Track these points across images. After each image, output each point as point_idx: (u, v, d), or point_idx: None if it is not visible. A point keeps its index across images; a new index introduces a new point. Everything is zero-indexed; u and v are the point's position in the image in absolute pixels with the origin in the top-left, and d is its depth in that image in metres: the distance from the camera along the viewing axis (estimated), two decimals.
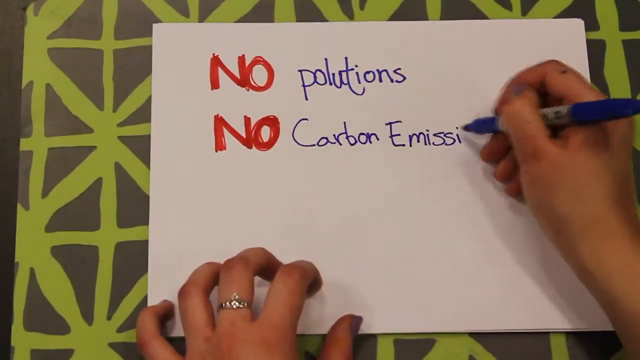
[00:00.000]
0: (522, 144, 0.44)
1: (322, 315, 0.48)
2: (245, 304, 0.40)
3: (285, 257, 0.49)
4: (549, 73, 0.45)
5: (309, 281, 0.44)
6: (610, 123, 0.43)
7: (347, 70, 0.52)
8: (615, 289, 0.41)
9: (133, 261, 0.49)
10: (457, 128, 0.51)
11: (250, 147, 0.51)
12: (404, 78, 0.52)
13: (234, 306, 0.40)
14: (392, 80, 0.52)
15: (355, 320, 0.46)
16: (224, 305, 0.41)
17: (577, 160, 0.42)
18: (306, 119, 0.51)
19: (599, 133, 0.43)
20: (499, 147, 0.49)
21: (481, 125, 0.50)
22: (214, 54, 0.52)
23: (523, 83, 0.46)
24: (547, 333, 0.48)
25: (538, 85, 0.46)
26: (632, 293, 0.41)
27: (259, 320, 0.40)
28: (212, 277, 0.44)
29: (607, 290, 0.42)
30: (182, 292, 0.42)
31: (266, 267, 0.44)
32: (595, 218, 0.42)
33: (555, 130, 0.44)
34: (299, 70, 0.52)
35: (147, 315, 0.44)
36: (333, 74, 0.52)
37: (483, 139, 0.50)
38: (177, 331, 0.47)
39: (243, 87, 0.52)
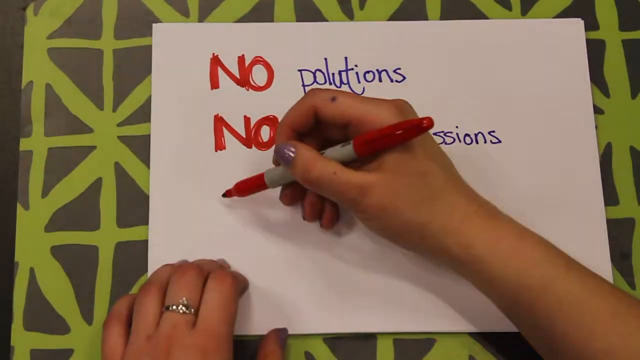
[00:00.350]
0: (343, 194, 0.42)
1: (323, 315, 0.48)
2: (192, 310, 0.41)
3: (285, 256, 0.49)
4: (318, 104, 0.43)
5: (241, 287, 0.45)
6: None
7: (346, 70, 0.52)
8: (491, 269, 0.42)
9: (133, 261, 0.49)
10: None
11: (250, 147, 0.51)
12: (404, 78, 0.52)
13: (181, 310, 0.41)
14: (392, 80, 0.52)
15: (281, 333, 0.46)
16: (170, 307, 0.41)
17: (402, 171, 0.41)
18: None
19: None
20: (294, 190, 0.47)
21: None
22: (213, 54, 0.52)
23: (285, 138, 0.44)
24: None
25: (311, 122, 0.44)
26: (508, 270, 0.41)
27: (197, 327, 0.40)
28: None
29: (484, 272, 0.42)
30: (142, 289, 0.43)
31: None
32: (449, 208, 0.42)
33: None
34: (299, 70, 0.52)
35: (123, 299, 0.44)
36: (333, 74, 0.52)
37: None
38: None
39: (243, 87, 0.52)
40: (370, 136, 0.41)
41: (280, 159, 0.43)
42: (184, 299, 0.41)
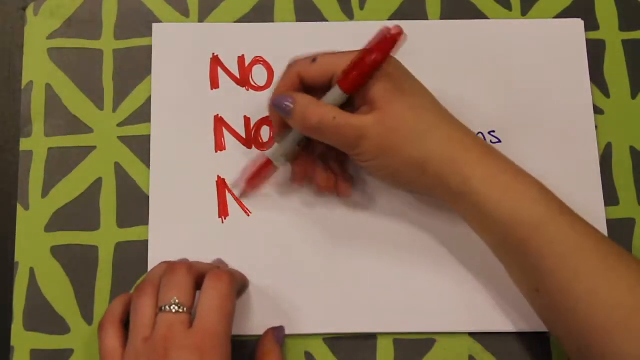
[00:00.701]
0: (342, 138, 0.43)
1: (323, 315, 0.48)
2: (185, 309, 0.41)
3: (285, 256, 0.49)
4: (301, 70, 0.44)
5: (238, 285, 0.45)
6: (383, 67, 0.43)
7: None
8: (487, 204, 0.42)
9: (133, 261, 0.49)
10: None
11: (250, 147, 0.51)
12: None
13: (173, 310, 0.41)
14: None
15: (277, 332, 0.47)
16: (163, 308, 0.41)
17: (394, 109, 0.42)
18: None
19: (386, 77, 0.43)
20: (302, 164, 0.48)
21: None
22: (213, 54, 0.52)
23: (280, 96, 0.44)
24: (547, 333, 0.48)
25: (299, 89, 0.45)
26: (503, 203, 0.42)
27: (194, 327, 0.40)
28: None
29: (479, 207, 0.42)
30: (138, 290, 0.43)
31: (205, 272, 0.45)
32: (446, 142, 0.43)
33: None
34: None
35: (118, 300, 0.44)
36: None
37: None
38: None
39: (243, 87, 0.52)
40: (349, 68, 0.42)
41: (279, 110, 0.44)
42: (175, 298, 0.41)
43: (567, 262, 0.41)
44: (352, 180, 0.49)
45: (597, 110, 0.52)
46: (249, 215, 0.50)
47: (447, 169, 0.43)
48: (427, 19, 0.54)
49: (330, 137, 0.44)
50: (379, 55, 0.42)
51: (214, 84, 0.52)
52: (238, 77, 0.52)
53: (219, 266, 0.47)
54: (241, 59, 0.52)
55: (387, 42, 0.42)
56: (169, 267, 0.43)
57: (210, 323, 0.41)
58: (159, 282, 0.43)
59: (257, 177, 0.49)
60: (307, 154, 0.47)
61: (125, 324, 0.43)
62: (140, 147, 0.51)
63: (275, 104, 0.44)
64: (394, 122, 0.42)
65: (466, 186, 0.43)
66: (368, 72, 0.42)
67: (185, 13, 0.54)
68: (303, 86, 0.45)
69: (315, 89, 0.45)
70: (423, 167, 0.43)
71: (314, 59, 0.44)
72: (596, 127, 0.52)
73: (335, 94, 0.43)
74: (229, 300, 0.42)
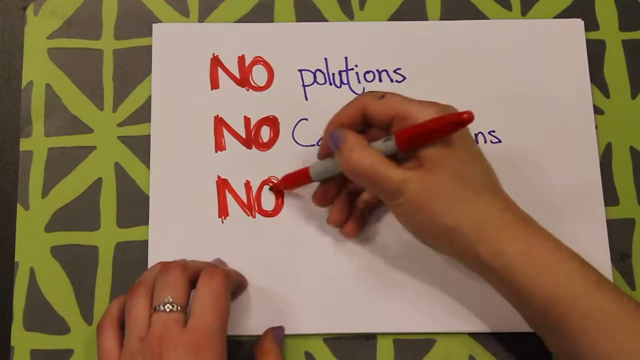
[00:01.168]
0: (380, 187, 0.42)
1: (323, 315, 0.48)
2: (179, 308, 0.41)
3: (285, 256, 0.49)
4: (366, 103, 0.44)
5: (233, 283, 0.45)
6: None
7: (347, 70, 0.52)
8: (521, 280, 0.41)
9: (133, 261, 0.49)
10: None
11: (250, 147, 0.51)
12: (404, 78, 0.52)
13: (167, 309, 0.41)
14: (392, 80, 0.52)
15: (277, 331, 0.47)
16: (157, 307, 0.41)
17: (438, 171, 0.41)
18: (306, 119, 0.51)
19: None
20: (331, 189, 0.47)
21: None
22: (213, 54, 0.52)
23: (337, 127, 0.44)
24: None
25: (360, 121, 0.44)
26: (537, 280, 0.41)
27: (188, 325, 0.41)
28: None
29: (514, 283, 0.41)
30: (132, 291, 0.43)
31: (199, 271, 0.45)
32: (481, 215, 0.41)
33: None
34: (299, 70, 0.52)
35: (115, 302, 0.44)
36: (333, 74, 0.52)
37: None
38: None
39: (243, 87, 0.52)
40: (412, 130, 0.42)
41: (330, 143, 0.44)
42: (169, 297, 0.41)
43: (608, 337, 0.40)
44: (363, 223, 0.49)
45: (597, 110, 0.52)
46: (254, 218, 0.50)
47: (479, 245, 0.41)
48: (427, 19, 0.54)
49: (369, 185, 0.43)
50: (444, 130, 0.41)
51: (214, 84, 0.52)
52: (238, 77, 0.52)
53: (215, 265, 0.47)
54: (241, 59, 0.52)
55: (457, 122, 0.40)
56: (163, 267, 0.43)
57: (204, 321, 0.41)
58: (152, 283, 0.43)
59: (291, 178, 0.49)
60: (338, 181, 0.47)
61: (123, 326, 0.43)
62: (140, 147, 0.51)
63: (329, 136, 0.44)
64: (434, 186, 0.41)
65: (499, 262, 0.41)
66: (427, 141, 0.41)
67: (185, 13, 0.54)
68: (364, 119, 0.44)
69: (377, 125, 0.44)
70: (452, 235, 0.42)
71: (382, 95, 0.44)
72: (596, 127, 0.52)
73: (388, 145, 0.42)
74: (223, 298, 0.42)
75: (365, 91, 0.45)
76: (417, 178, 0.41)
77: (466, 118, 0.40)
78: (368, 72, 0.52)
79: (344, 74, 0.52)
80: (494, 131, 0.51)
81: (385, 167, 0.42)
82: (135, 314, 0.41)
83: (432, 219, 0.42)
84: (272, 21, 0.54)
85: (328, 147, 0.45)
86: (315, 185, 0.48)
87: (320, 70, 0.52)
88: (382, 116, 0.43)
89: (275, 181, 0.50)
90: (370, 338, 0.48)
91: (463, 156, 0.42)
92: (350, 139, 0.43)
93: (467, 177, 0.42)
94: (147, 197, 0.50)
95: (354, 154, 0.42)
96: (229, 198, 0.50)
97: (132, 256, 0.49)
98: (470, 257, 0.42)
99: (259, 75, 0.52)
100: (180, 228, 0.49)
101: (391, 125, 0.43)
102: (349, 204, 0.48)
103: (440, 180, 0.41)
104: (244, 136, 0.51)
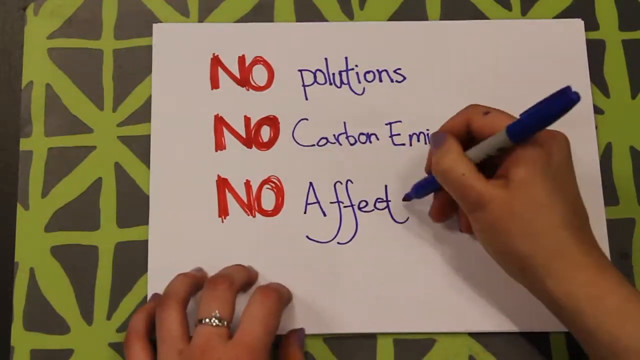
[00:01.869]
0: (464, 197, 0.42)
1: (323, 315, 0.48)
2: (225, 323, 0.41)
3: (285, 256, 0.49)
4: (471, 117, 0.44)
5: (285, 303, 0.46)
6: (546, 148, 0.41)
7: (347, 70, 0.52)
8: (588, 323, 0.40)
9: (133, 261, 0.49)
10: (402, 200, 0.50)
11: (250, 147, 0.51)
12: (404, 78, 0.52)
13: (214, 323, 0.41)
14: (392, 80, 0.52)
15: (299, 334, 0.47)
16: (203, 321, 0.41)
17: (525, 197, 0.41)
18: (306, 119, 0.51)
19: (538, 162, 0.41)
20: (445, 202, 0.47)
21: (420, 190, 0.48)
22: (214, 54, 0.52)
23: (442, 133, 0.44)
24: (547, 333, 0.48)
25: (464, 133, 0.44)
26: (604, 327, 0.40)
27: (234, 339, 0.41)
28: (189, 290, 0.44)
29: (579, 323, 0.41)
30: (162, 304, 0.43)
31: (245, 283, 0.46)
32: (556, 251, 0.41)
33: (490, 168, 0.43)
34: (299, 70, 0.52)
35: (138, 315, 0.45)
36: (333, 74, 0.52)
37: None
38: None
39: (243, 87, 0.52)
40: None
41: (433, 141, 0.44)
42: (217, 312, 0.41)
43: None
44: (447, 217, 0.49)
45: (597, 110, 0.52)
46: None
47: (550, 280, 0.41)
48: (427, 19, 0.54)
49: (454, 191, 0.43)
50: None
51: (214, 84, 0.52)
52: (238, 77, 0.52)
53: (249, 270, 0.47)
54: (241, 59, 0.52)
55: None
56: (211, 281, 0.43)
57: (250, 336, 0.41)
58: (182, 295, 0.43)
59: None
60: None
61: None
62: (140, 147, 0.51)
63: (432, 136, 0.45)
64: (515, 210, 0.41)
65: (568, 301, 0.40)
66: (537, 126, 0.40)
67: (185, 13, 0.54)
68: (468, 132, 0.44)
69: (478, 138, 0.44)
70: (523, 263, 0.41)
71: (487, 111, 0.44)
72: (596, 127, 0.52)
73: (498, 139, 0.42)
74: (274, 316, 0.42)
75: (471, 104, 0.45)
76: (500, 198, 0.41)
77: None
78: (368, 72, 0.52)
79: (344, 74, 0.52)
80: None
81: (473, 178, 0.42)
82: (169, 326, 0.42)
83: (506, 242, 0.41)
84: (272, 21, 0.54)
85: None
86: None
87: (320, 70, 0.52)
88: (485, 132, 0.43)
89: (275, 181, 0.50)
90: (370, 338, 0.48)
91: (552, 185, 0.41)
92: (448, 144, 0.43)
93: (550, 208, 0.41)
94: (147, 197, 0.50)
95: (447, 157, 0.42)
96: (229, 198, 0.50)
97: (132, 256, 0.49)
98: (540, 289, 0.42)
99: (259, 75, 0.52)
100: (180, 228, 0.49)
101: None
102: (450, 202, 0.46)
103: (522, 205, 0.41)
104: (244, 136, 0.51)
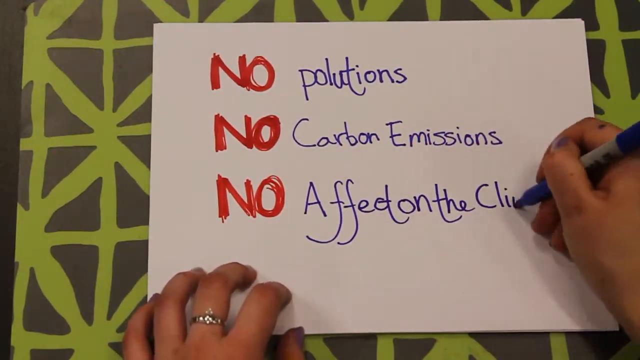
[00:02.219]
0: (564, 196, 0.43)
1: (324, 315, 0.48)
2: (219, 321, 0.41)
3: (285, 256, 0.49)
4: (586, 129, 0.44)
5: (282, 303, 0.46)
6: None
7: (347, 70, 0.52)
8: None
9: (133, 261, 0.49)
10: (511, 205, 0.50)
11: (250, 147, 0.51)
12: (405, 78, 0.52)
13: (207, 321, 0.41)
14: (392, 81, 0.52)
15: (298, 333, 0.47)
16: (197, 319, 0.41)
17: (621, 213, 0.41)
18: (307, 119, 0.51)
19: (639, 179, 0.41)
20: (549, 214, 0.47)
21: (530, 196, 0.48)
22: (214, 54, 0.52)
23: (564, 136, 0.45)
24: (547, 333, 0.48)
25: (578, 141, 0.45)
26: None
27: (229, 336, 0.41)
28: (188, 290, 0.44)
29: None
30: (160, 303, 0.43)
31: (242, 282, 0.46)
32: (639, 270, 0.40)
33: (594, 181, 0.43)
34: (300, 70, 0.52)
35: (138, 314, 0.45)
36: (334, 74, 0.52)
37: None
38: None
39: (244, 86, 0.52)
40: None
41: (557, 143, 0.44)
42: (210, 309, 0.41)
43: None
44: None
45: (597, 110, 0.52)
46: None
47: (628, 297, 0.41)
48: (427, 19, 0.54)
49: (556, 189, 0.43)
50: None
51: (215, 84, 0.52)
52: (239, 77, 0.52)
53: (247, 269, 0.47)
54: (242, 59, 0.52)
55: None
56: (205, 279, 0.43)
57: (246, 334, 0.41)
58: (180, 294, 0.43)
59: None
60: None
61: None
62: (140, 147, 0.51)
63: (558, 138, 0.45)
64: (608, 223, 0.41)
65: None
66: None
67: (185, 13, 0.54)
68: (581, 145, 0.44)
69: (590, 150, 0.44)
70: (605, 277, 0.41)
71: (602, 125, 0.44)
72: None
73: (607, 146, 0.42)
74: (270, 315, 0.42)
75: (586, 117, 0.46)
76: (596, 208, 0.41)
77: None
78: (369, 72, 0.52)
79: (344, 74, 0.52)
80: (494, 132, 0.51)
81: (579, 180, 0.42)
82: (166, 325, 0.42)
83: (592, 253, 0.42)
84: (272, 21, 0.54)
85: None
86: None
87: (321, 71, 0.52)
88: (597, 145, 0.43)
89: (276, 181, 0.50)
90: (370, 338, 0.48)
91: None
92: (569, 144, 0.44)
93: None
94: (147, 197, 0.50)
95: (563, 153, 0.43)
96: (230, 198, 0.50)
97: (132, 256, 0.49)
98: (616, 306, 0.42)
99: (259, 75, 0.52)
100: (180, 228, 0.49)
101: None
102: (554, 215, 0.47)
103: (615, 221, 0.41)
104: (244, 136, 0.51)
